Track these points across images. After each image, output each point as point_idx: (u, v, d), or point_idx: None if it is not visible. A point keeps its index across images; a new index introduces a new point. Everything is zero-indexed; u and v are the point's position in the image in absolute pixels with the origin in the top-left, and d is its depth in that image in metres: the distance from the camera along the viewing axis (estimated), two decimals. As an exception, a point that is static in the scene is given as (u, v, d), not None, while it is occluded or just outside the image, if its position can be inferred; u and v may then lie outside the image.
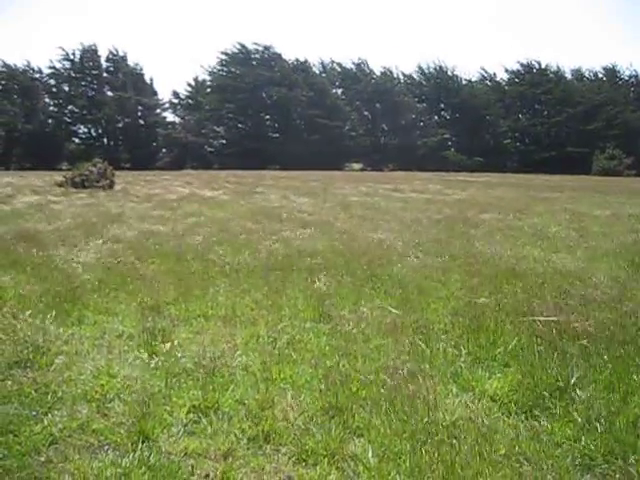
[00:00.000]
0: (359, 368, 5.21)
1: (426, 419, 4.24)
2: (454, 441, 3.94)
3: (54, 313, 6.59)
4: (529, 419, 4.40)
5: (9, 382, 4.88)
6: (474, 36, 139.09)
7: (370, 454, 3.84)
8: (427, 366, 5.30)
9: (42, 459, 3.78)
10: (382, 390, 4.74)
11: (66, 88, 68.88)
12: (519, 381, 4.96)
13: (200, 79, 74.67)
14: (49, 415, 4.33)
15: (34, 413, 4.36)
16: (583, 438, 4.04)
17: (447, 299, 7.62)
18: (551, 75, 78.00)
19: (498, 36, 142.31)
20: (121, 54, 70.49)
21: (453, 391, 4.85)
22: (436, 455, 3.77)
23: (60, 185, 27.47)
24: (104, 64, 70.09)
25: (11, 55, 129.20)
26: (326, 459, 3.82)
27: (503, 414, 4.48)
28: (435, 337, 6.05)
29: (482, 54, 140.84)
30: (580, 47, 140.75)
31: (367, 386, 4.80)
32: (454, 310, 7.06)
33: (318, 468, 3.76)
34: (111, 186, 27.57)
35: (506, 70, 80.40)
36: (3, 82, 66.23)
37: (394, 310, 6.89)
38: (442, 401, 4.59)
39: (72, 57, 68.73)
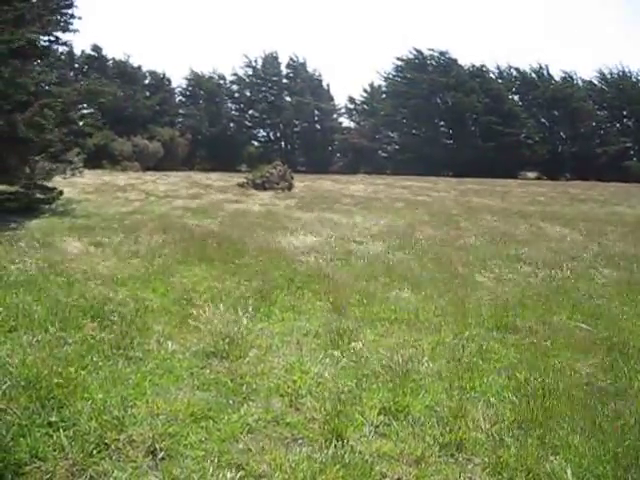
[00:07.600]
0: (551, 383, 5.00)
1: (628, 442, 3.99)
2: (661, 470, 3.68)
3: (244, 307, 6.87)
4: None
5: (207, 371, 5.13)
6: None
7: (569, 474, 3.65)
8: (625, 386, 5.01)
9: (240, 446, 3.91)
10: (579, 407, 4.52)
11: (247, 93, 71.71)
12: None
13: (375, 85, 75.13)
14: (245, 405, 4.49)
15: (231, 402, 4.54)
16: None
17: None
18: None
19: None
20: (301, 60, 72.60)
21: (656, 416, 4.52)
22: (642, 482, 3.55)
23: (241, 186, 28.68)
24: (284, 70, 72.45)
25: (200, 63, 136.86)
26: (522, 474, 3.67)
27: None
28: (632, 356, 5.72)
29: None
30: None
31: (563, 402, 4.60)
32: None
33: (514, 483, 3.63)
34: (290, 188, 28.40)
35: (700, 72, 74.05)
36: (190, 88, 70.29)
37: (584, 325, 6.60)
38: (645, 425, 4.31)
39: (254, 64, 71.70)
